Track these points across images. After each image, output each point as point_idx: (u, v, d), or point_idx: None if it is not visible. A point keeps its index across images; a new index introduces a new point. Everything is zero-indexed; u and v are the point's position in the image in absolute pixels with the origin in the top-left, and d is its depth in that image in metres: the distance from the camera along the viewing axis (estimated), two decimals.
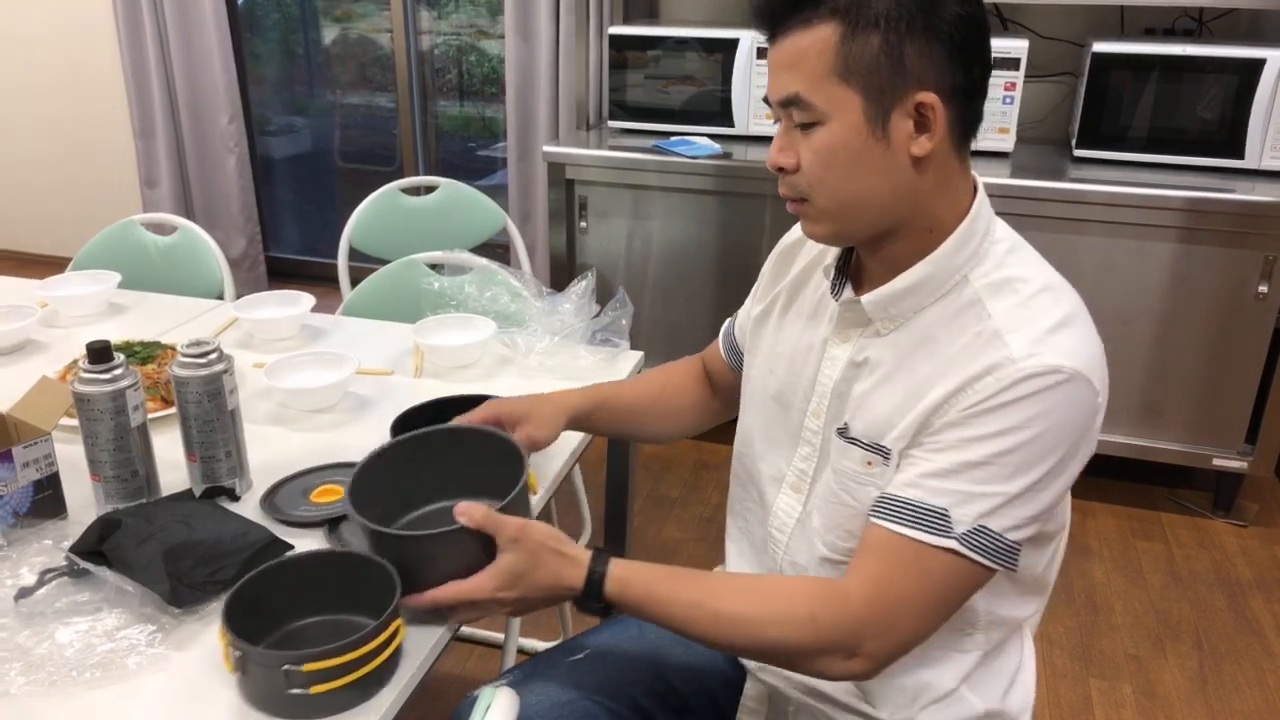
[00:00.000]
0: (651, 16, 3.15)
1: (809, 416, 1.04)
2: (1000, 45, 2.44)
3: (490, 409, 1.17)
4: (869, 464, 0.95)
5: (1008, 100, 2.47)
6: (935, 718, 1.02)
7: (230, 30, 3.59)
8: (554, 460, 1.31)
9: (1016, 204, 2.33)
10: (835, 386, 1.01)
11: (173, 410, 1.34)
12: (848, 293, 1.00)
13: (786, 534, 1.08)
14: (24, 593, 1.01)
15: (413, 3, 3.63)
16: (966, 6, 0.87)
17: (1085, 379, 0.86)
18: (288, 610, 0.97)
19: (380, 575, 0.94)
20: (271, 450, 1.30)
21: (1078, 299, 0.93)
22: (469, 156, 3.97)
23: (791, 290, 1.11)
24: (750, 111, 2.69)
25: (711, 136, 2.72)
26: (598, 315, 1.64)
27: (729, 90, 2.69)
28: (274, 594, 0.96)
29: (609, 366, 1.56)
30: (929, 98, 0.87)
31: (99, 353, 1.11)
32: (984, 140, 2.52)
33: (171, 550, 1.00)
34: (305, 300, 1.72)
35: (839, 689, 1.05)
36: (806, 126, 0.90)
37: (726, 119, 2.72)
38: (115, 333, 1.68)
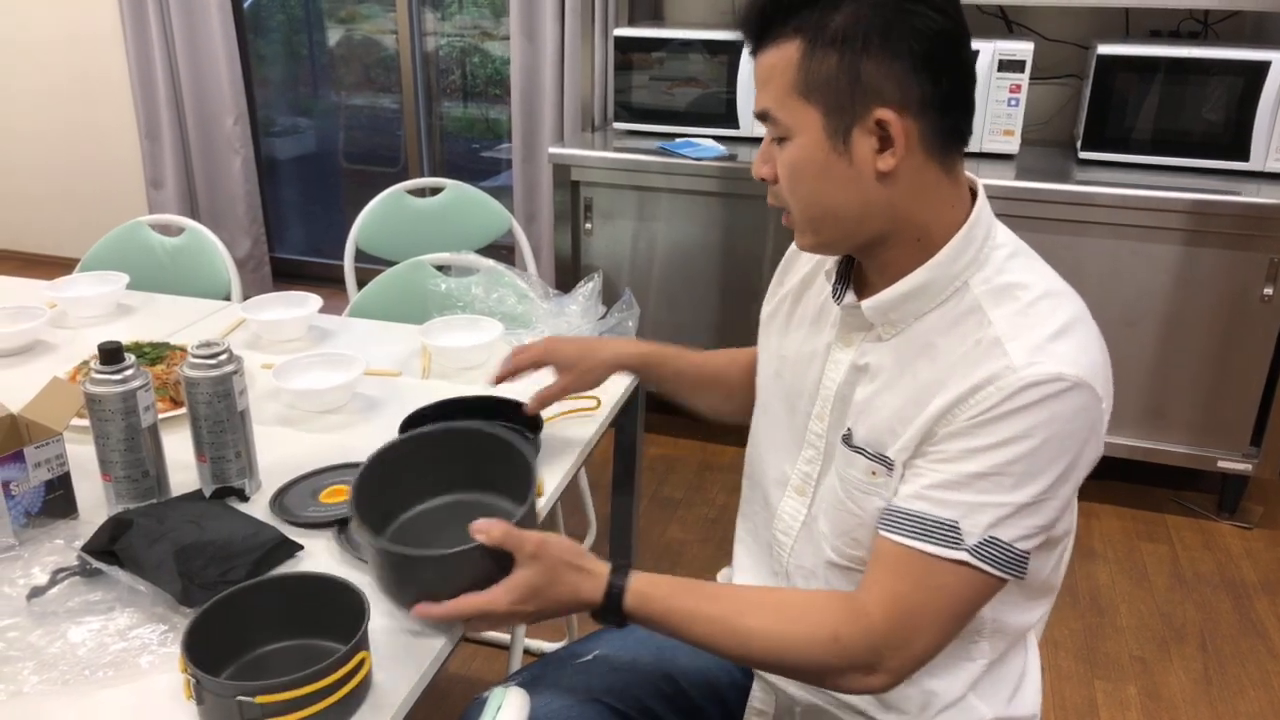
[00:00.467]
0: (656, 18, 3.15)
1: (813, 420, 1.05)
2: (1005, 47, 2.45)
3: (545, 351, 1.28)
4: (873, 474, 0.96)
5: (1013, 102, 2.48)
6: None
7: (236, 32, 3.60)
8: (560, 461, 1.31)
9: (1021, 206, 2.34)
10: (838, 390, 1.01)
11: (182, 411, 1.34)
12: (849, 297, 1.00)
13: (791, 537, 1.08)
14: (36, 592, 1.02)
15: (418, 4, 3.64)
16: (931, 21, 0.86)
17: (1088, 386, 0.86)
18: (260, 634, 0.94)
19: (352, 600, 0.92)
20: (280, 451, 1.31)
21: (1080, 304, 0.93)
22: (473, 158, 3.98)
23: (797, 294, 1.12)
24: None
25: (716, 138, 2.72)
26: (604, 317, 1.64)
27: (734, 92, 2.69)
28: (246, 616, 0.93)
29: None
30: (888, 114, 0.86)
31: (110, 353, 1.11)
32: (989, 142, 2.52)
33: (183, 550, 1.01)
34: (313, 301, 1.72)
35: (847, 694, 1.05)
36: (780, 140, 0.93)
37: (731, 121, 2.72)
38: (124, 333, 1.69)
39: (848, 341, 1.01)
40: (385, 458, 1.06)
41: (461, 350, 1.58)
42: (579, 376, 1.27)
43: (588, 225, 2.74)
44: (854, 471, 0.98)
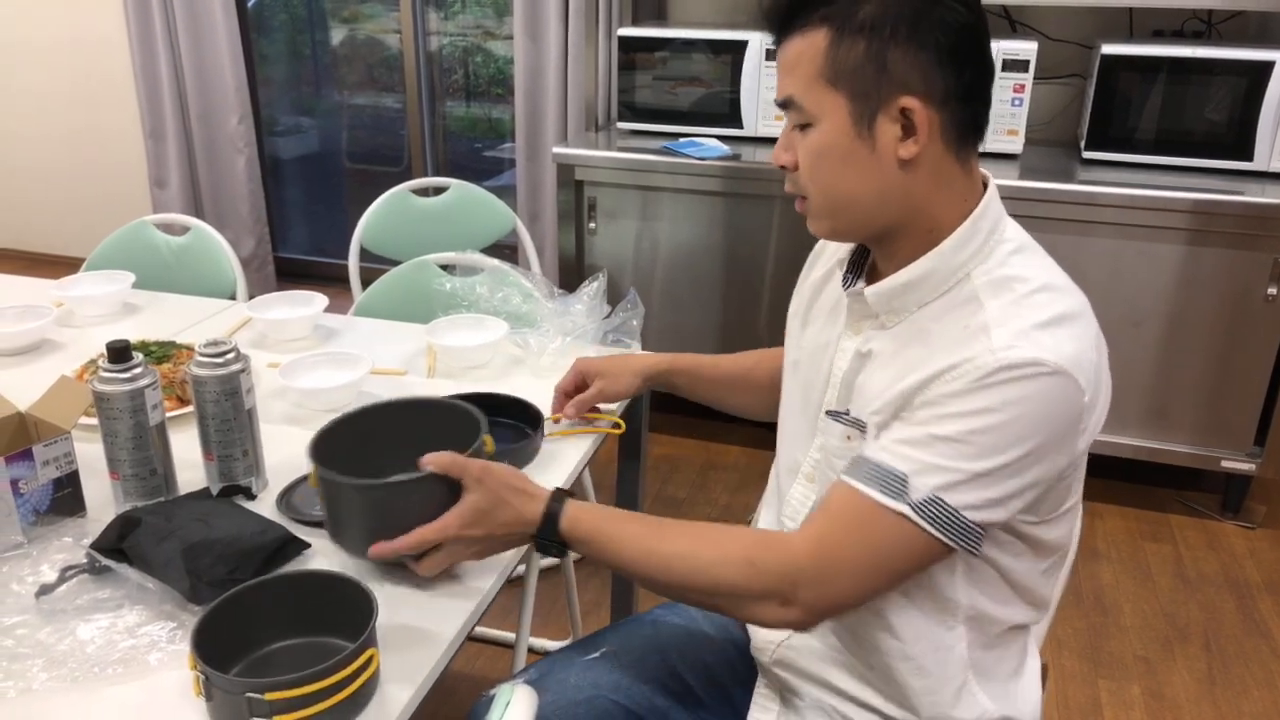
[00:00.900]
0: (660, 18, 3.16)
1: (823, 408, 1.06)
2: (1009, 47, 2.45)
3: (577, 368, 1.35)
4: (848, 438, 0.99)
5: (1016, 102, 2.48)
6: (944, 716, 1.02)
7: (240, 31, 3.60)
8: (565, 460, 1.32)
9: (1025, 206, 2.34)
10: (844, 378, 1.03)
11: (188, 409, 1.35)
12: (857, 285, 1.02)
13: (798, 523, 1.09)
14: (45, 590, 1.02)
15: (422, 3, 3.65)
16: (956, 14, 0.89)
17: (1067, 375, 0.86)
18: (268, 631, 0.95)
19: (360, 598, 0.93)
20: (286, 449, 1.31)
21: (1081, 301, 0.94)
22: (476, 157, 3.98)
23: (817, 287, 1.13)
24: (759, 113, 2.70)
25: (720, 138, 2.72)
26: (609, 316, 1.64)
27: (738, 92, 2.70)
28: (254, 614, 0.94)
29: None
30: (913, 103, 0.89)
31: (119, 352, 1.12)
32: (992, 142, 2.52)
33: (191, 548, 1.01)
34: (318, 300, 1.72)
35: (850, 682, 1.05)
36: (802, 127, 0.95)
37: (735, 120, 2.72)
38: (130, 332, 1.69)
39: (856, 330, 1.03)
40: (344, 424, 1.11)
41: (467, 349, 1.59)
42: (611, 381, 1.35)
43: (591, 225, 2.75)
44: (833, 440, 1.01)
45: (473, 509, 0.99)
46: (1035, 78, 2.48)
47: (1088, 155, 2.51)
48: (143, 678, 0.93)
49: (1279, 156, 2.34)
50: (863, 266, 1.04)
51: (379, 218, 2.44)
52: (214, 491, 1.20)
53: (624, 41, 2.78)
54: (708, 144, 2.68)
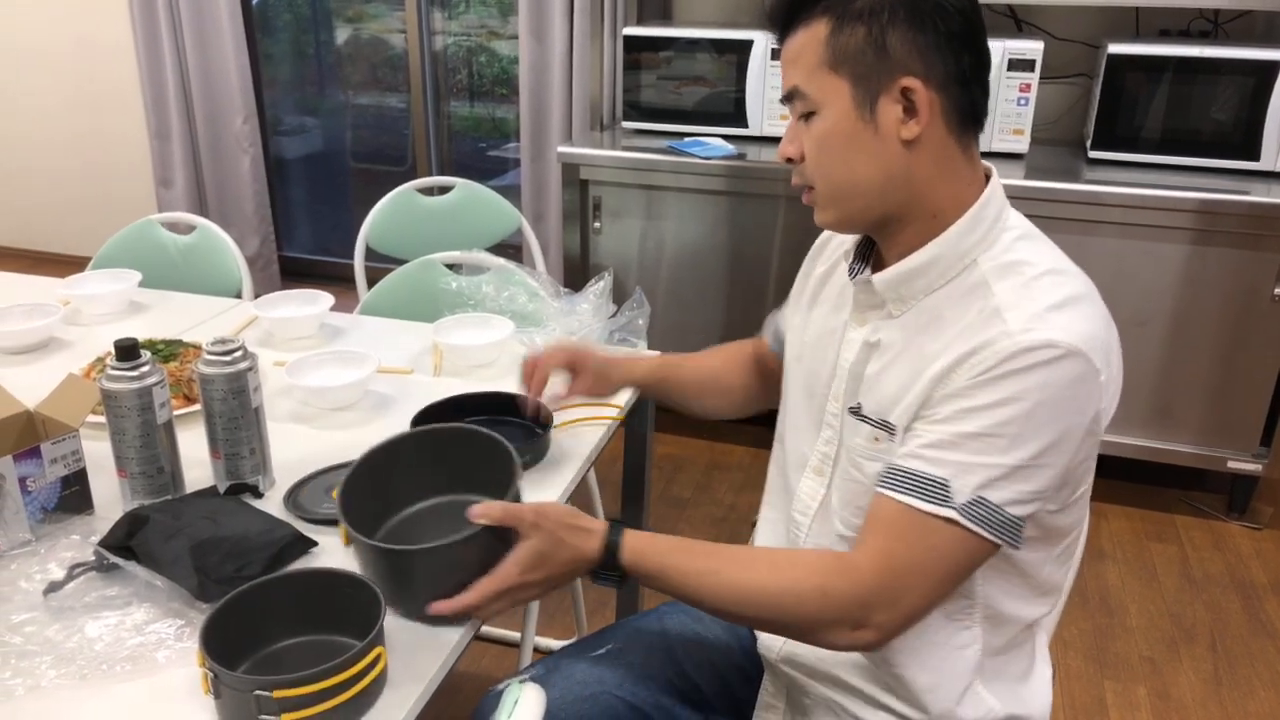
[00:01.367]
0: (665, 18, 3.15)
1: (830, 400, 1.06)
2: (1015, 46, 2.45)
3: (571, 351, 1.29)
4: (876, 440, 0.98)
5: (1022, 101, 2.47)
6: (949, 712, 1.02)
7: (245, 31, 3.61)
8: (571, 460, 1.32)
9: (1031, 205, 2.33)
10: (851, 368, 1.03)
11: (195, 408, 1.35)
12: (863, 274, 1.03)
13: (809, 517, 1.09)
14: (53, 587, 1.02)
15: (426, 3, 3.65)
16: (954, 0, 0.91)
17: (1084, 355, 0.87)
18: (275, 629, 0.95)
19: (367, 596, 0.92)
20: (293, 448, 1.31)
21: (1087, 284, 0.95)
22: (480, 157, 3.98)
23: (820, 281, 1.14)
24: (764, 112, 2.70)
25: (725, 137, 2.72)
26: (614, 315, 1.64)
27: (743, 91, 2.69)
28: (262, 612, 0.94)
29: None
30: (913, 83, 0.91)
31: (126, 350, 1.12)
32: (998, 141, 2.52)
33: (199, 546, 1.01)
34: (324, 299, 1.73)
35: (856, 679, 1.06)
36: (807, 117, 0.96)
37: (740, 120, 2.72)
38: (137, 331, 1.70)
39: (861, 320, 1.03)
40: (369, 463, 1.07)
41: (473, 348, 1.59)
42: (598, 384, 1.32)
43: (596, 224, 2.75)
44: (858, 439, 1.01)
45: (532, 554, 0.96)
46: (1041, 77, 2.47)
47: (1094, 155, 2.51)
48: (151, 675, 0.93)
49: None
50: (868, 258, 1.05)
51: (384, 217, 2.45)
52: (221, 489, 1.20)
53: (629, 41, 2.78)
54: (712, 143, 2.68)
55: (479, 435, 1.09)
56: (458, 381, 1.54)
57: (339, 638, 0.95)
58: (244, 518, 1.10)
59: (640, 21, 3.00)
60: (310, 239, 4.31)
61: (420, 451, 1.11)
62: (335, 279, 3.77)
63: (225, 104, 3.67)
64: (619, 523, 1.00)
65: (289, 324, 1.69)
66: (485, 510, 0.95)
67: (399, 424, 1.38)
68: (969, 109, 0.94)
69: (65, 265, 3.45)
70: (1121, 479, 2.67)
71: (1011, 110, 2.49)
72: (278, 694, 0.82)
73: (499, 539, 0.96)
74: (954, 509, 0.88)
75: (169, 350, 1.53)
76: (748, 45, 2.65)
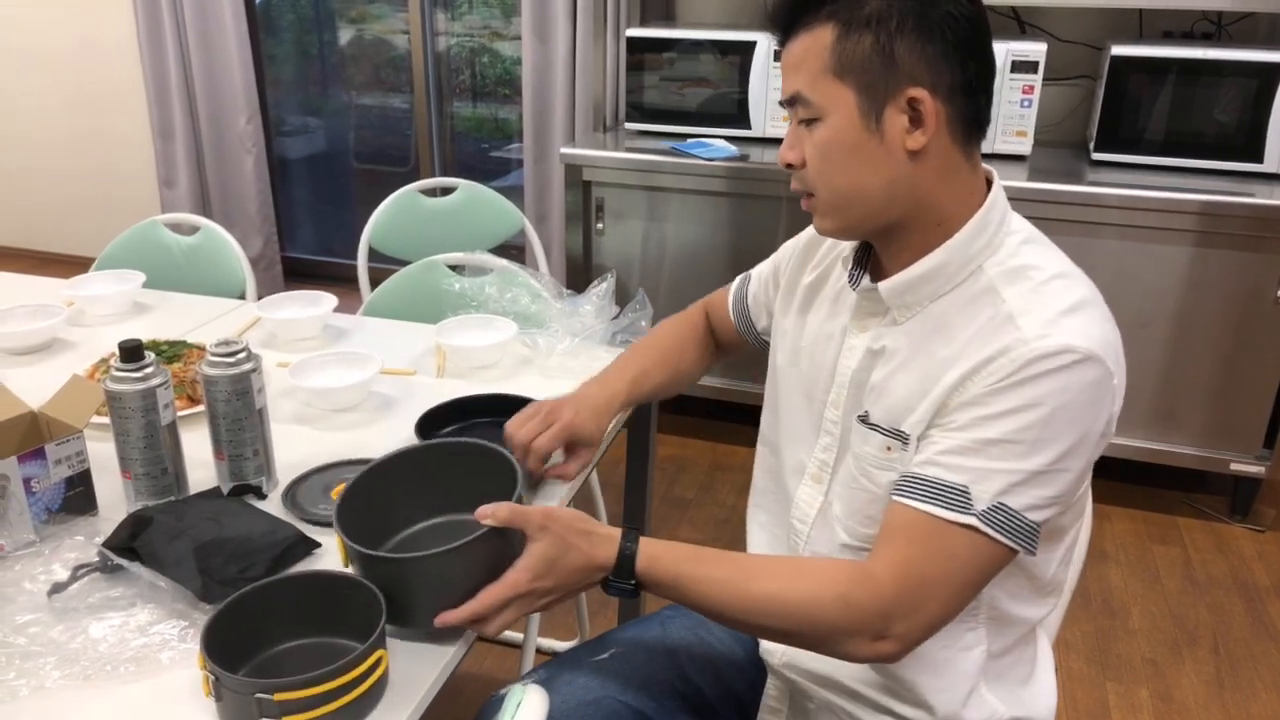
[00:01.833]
0: (668, 19, 3.16)
1: (828, 407, 1.06)
2: (1018, 48, 2.45)
3: (566, 430, 1.18)
4: (888, 449, 0.97)
5: (1025, 103, 2.47)
6: (954, 715, 1.02)
7: (249, 32, 3.61)
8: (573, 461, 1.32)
9: (1034, 207, 2.33)
10: (854, 375, 1.02)
11: (199, 409, 1.35)
12: (865, 281, 1.02)
13: (808, 524, 1.09)
14: (57, 588, 1.02)
15: (430, 4, 3.65)
16: (961, 6, 0.90)
17: (1099, 360, 0.87)
18: (277, 631, 0.94)
19: (369, 599, 0.92)
20: (297, 449, 1.32)
21: (1092, 287, 0.95)
22: (482, 158, 3.98)
23: (814, 285, 1.13)
24: (767, 114, 2.70)
25: (728, 139, 2.72)
26: (617, 316, 1.64)
27: (745, 92, 2.70)
28: (264, 614, 0.93)
29: None
30: (920, 93, 0.90)
31: (131, 351, 1.12)
32: (1001, 143, 2.52)
33: (202, 547, 1.01)
34: (327, 300, 1.73)
35: (859, 683, 1.06)
36: (809, 123, 0.95)
37: (743, 121, 2.72)
38: (140, 332, 1.70)
39: (863, 327, 1.03)
40: (363, 486, 1.03)
41: (476, 350, 1.59)
42: (588, 458, 1.24)
43: (599, 225, 2.75)
44: (869, 449, 0.99)
45: (541, 559, 0.93)
46: (1044, 79, 2.47)
47: (1097, 156, 2.51)
48: (154, 676, 0.93)
49: None
50: (866, 264, 1.04)
51: (387, 218, 2.45)
52: (225, 491, 1.20)
53: (632, 42, 2.78)
54: (715, 145, 2.68)
55: (476, 448, 1.06)
56: (461, 383, 1.54)
57: (341, 640, 0.95)
58: (247, 519, 1.10)
59: (643, 23, 3.00)
60: (313, 240, 4.32)
61: (416, 470, 1.07)
62: (338, 280, 3.78)
63: (229, 104, 3.68)
64: (633, 529, 0.97)
65: (292, 325, 1.69)
66: (493, 511, 0.92)
67: (402, 425, 1.38)
68: (974, 117, 0.94)
69: (69, 266, 3.45)
70: (1124, 481, 2.66)
71: (1015, 112, 2.48)
72: (278, 697, 0.82)
73: (506, 544, 0.93)
74: (974, 516, 0.87)
75: (173, 351, 1.53)
76: (750, 46, 2.65)
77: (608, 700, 1.09)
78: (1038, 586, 1.01)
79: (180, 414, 1.28)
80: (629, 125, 2.88)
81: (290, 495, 1.21)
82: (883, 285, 0.98)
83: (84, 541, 1.09)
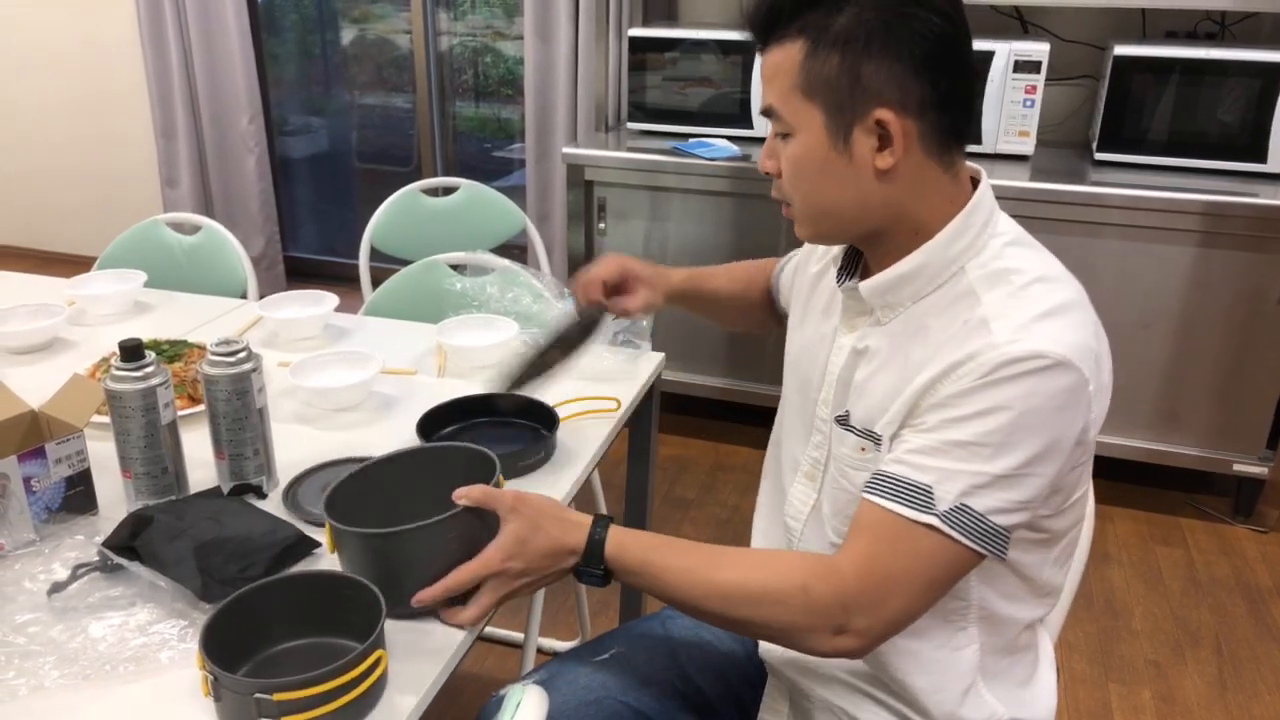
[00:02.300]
0: (670, 18, 3.15)
1: (820, 405, 1.06)
2: (1021, 48, 2.44)
3: (619, 266, 1.30)
4: (862, 449, 0.98)
5: (1028, 103, 2.47)
6: (952, 714, 1.02)
7: (251, 31, 3.61)
8: (576, 461, 1.32)
9: (1036, 207, 2.33)
10: (840, 375, 1.03)
11: (199, 408, 1.35)
12: (849, 281, 1.03)
13: (801, 522, 1.09)
14: (57, 587, 1.02)
15: (432, 4, 3.65)
16: (931, 24, 0.88)
17: (1071, 365, 0.86)
18: (277, 631, 0.95)
19: (369, 599, 0.92)
20: (297, 448, 1.31)
21: (1077, 291, 0.94)
22: (485, 157, 3.98)
23: (814, 281, 1.14)
24: None
25: (730, 138, 2.72)
26: (619, 316, 1.64)
27: (747, 92, 2.69)
28: (263, 614, 0.94)
29: (630, 369, 1.57)
30: (887, 115, 0.89)
31: (131, 351, 1.12)
32: (1004, 143, 2.52)
33: (202, 546, 1.01)
34: (329, 300, 1.73)
35: (859, 682, 1.05)
36: (784, 136, 0.96)
37: (745, 121, 2.72)
38: (141, 331, 1.70)
39: (851, 327, 1.03)
40: (352, 483, 1.06)
41: (477, 349, 1.59)
42: (650, 296, 1.32)
43: (601, 225, 2.75)
44: (845, 449, 1.00)
45: (512, 538, 0.96)
46: (1047, 79, 2.47)
47: (1100, 156, 2.50)
48: (154, 676, 0.93)
49: None
50: (856, 264, 1.04)
51: (389, 217, 2.45)
52: (225, 490, 1.20)
53: (634, 42, 2.78)
54: (717, 144, 2.68)
55: (460, 451, 1.10)
56: (462, 383, 1.54)
57: (340, 640, 0.94)
58: (247, 518, 1.10)
59: (645, 22, 3.00)
60: (315, 239, 4.32)
61: (404, 473, 1.10)
62: (340, 279, 3.78)
63: (231, 104, 3.68)
64: (605, 518, 0.99)
65: (293, 325, 1.69)
66: (466, 491, 0.96)
67: (403, 425, 1.38)
68: (950, 130, 0.93)
69: (71, 265, 3.46)
70: (1127, 482, 2.66)
71: (1017, 112, 2.48)
72: (278, 696, 0.82)
73: (482, 526, 0.97)
74: (935, 516, 0.87)
75: (173, 351, 1.53)
76: (752, 46, 2.63)
77: (608, 700, 1.09)
78: (1031, 588, 1.01)
79: (181, 413, 1.28)
80: (631, 125, 2.88)
81: (290, 495, 1.21)
82: (863, 285, 0.99)
83: (84, 541, 1.09)
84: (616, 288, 1.33)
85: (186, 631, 0.98)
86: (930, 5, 0.88)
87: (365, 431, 1.39)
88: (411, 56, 3.74)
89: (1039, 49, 2.45)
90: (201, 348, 1.55)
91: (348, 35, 3.99)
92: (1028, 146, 2.51)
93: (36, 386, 1.28)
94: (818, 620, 0.90)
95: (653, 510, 1.75)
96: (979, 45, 2.43)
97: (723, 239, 2.65)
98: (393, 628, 0.97)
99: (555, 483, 1.26)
